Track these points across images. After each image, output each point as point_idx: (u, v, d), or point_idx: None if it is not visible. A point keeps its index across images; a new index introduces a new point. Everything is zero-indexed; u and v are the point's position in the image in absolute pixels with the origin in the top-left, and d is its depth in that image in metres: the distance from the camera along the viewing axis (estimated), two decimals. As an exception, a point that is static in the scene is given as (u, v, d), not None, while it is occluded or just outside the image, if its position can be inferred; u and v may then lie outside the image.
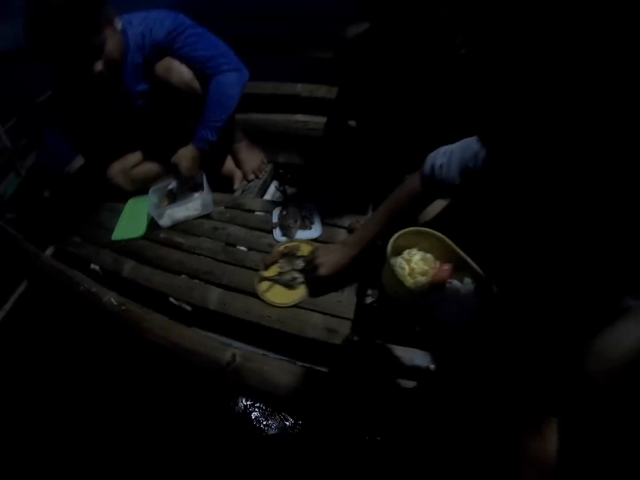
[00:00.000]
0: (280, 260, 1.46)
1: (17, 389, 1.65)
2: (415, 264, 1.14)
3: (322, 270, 1.26)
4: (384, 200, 1.23)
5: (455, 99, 1.31)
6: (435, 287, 1.10)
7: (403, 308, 1.13)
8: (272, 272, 1.45)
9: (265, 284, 1.42)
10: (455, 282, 1.10)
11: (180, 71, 1.63)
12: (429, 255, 1.16)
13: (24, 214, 2.08)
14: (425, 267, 1.13)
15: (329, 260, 1.26)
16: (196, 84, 1.67)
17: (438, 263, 1.14)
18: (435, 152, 1.07)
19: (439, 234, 1.12)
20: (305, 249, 1.48)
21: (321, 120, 2.09)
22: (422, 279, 1.12)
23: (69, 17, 1.33)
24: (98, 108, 1.72)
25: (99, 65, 1.46)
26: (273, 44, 2.79)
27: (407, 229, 1.13)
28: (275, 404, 1.19)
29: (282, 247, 1.51)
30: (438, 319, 1.01)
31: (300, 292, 1.37)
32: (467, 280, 1.09)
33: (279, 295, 1.37)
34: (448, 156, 1.01)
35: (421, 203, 1.14)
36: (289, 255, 1.47)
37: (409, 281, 1.12)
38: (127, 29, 1.57)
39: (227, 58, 1.66)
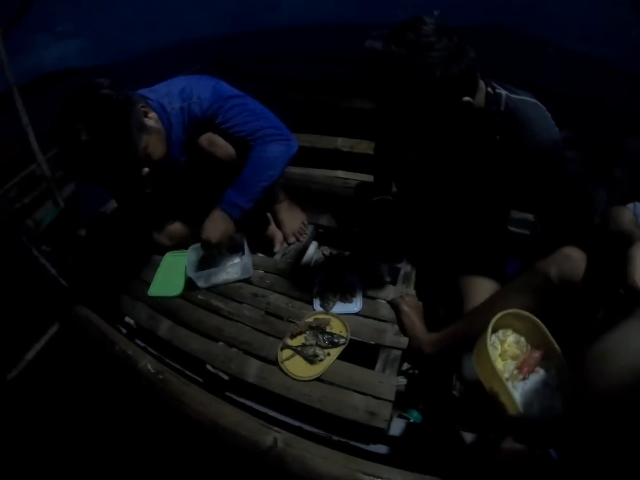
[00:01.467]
0: (306, 332, 1.48)
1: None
2: (508, 346, 1.13)
3: None
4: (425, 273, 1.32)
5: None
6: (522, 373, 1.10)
7: (479, 391, 1.12)
8: (296, 341, 1.46)
9: (287, 352, 1.44)
10: (542, 372, 1.08)
11: (224, 144, 1.63)
12: (522, 339, 1.15)
13: (59, 249, 2.12)
14: (517, 351, 1.12)
15: None
16: (239, 156, 1.66)
17: (529, 347, 1.13)
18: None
19: (536, 319, 1.10)
20: (335, 325, 1.50)
21: (362, 177, 2.12)
22: (512, 363, 1.11)
23: (102, 151, 1.31)
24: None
25: (145, 171, 1.46)
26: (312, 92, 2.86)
27: (509, 310, 1.12)
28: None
29: (311, 319, 1.52)
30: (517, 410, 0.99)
31: (319, 369, 1.37)
32: (553, 372, 1.07)
33: (297, 368, 1.39)
34: None
35: None
36: (317, 328, 1.48)
37: (500, 362, 1.11)
38: (165, 104, 1.56)
39: (272, 129, 1.62)
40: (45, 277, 1.90)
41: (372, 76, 1.11)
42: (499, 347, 1.13)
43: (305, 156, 2.28)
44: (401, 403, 1.40)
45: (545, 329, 1.09)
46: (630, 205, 1.07)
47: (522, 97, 1.19)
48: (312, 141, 2.36)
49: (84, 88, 1.35)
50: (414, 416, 1.40)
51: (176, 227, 1.90)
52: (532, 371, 1.07)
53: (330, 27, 5.50)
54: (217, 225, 1.62)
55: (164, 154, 1.53)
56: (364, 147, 2.26)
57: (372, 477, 1.10)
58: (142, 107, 1.45)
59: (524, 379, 1.06)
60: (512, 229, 1.79)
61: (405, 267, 1.71)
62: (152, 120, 1.48)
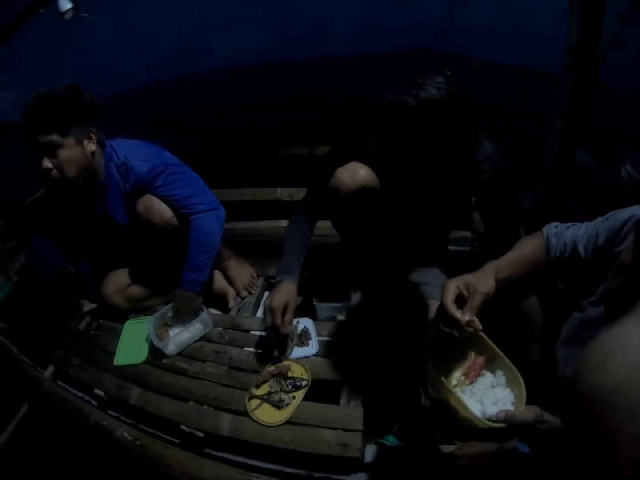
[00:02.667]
0: (270, 380, 1.62)
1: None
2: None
3: None
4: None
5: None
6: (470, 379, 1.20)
7: (439, 403, 1.24)
8: (261, 391, 1.61)
9: (254, 402, 1.58)
10: (488, 374, 1.20)
11: (160, 210, 1.80)
12: (465, 349, 1.25)
13: (17, 324, 2.17)
14: (462, 360, 1.25)
15: None
16: (175, 221, 1.83)
17: (473, 354, 1.24)
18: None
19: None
20: (296, 369, 1.66)
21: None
22: (458, 371, 1.23)
23: (45, 103, 1.59)
24: (79, 227, 1.93)
25: (46, 163, 1.63)
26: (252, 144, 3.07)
27: None
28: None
29: (273, 367, 1.67)
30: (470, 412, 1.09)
31: (287, 413, 1.52)
32: (499, 372, 1.19)
33: (266, 415, 1.53)
34: (561, 229, 1.21)
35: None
36: (279, 375, 1.63)
37: (445, 373, 1.22)
38: (112, 156, 1.78)
39: (202, 197, 1.85)
40: (6, 356, 1.97)
41: (423, 124, 1.27)
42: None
43: (250, 209, 2.48)
44: (376, 430, 1.55)
45: (484, 335, 1.20)
46: (545, 229, 1.25)
47: None
48: (254, 194, 2.54)
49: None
50: (391, 440, 1.52)
51: (132, 290, 2.04)
52: (478, 375, 1.20)
53: (261, 67, 5.82)
54: (185, 305, 1.86)
55: (68, 173, 1.67)
56: (303, 194, 2.43)
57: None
58: (92, 133, 1.70)
59: (471, 382, 1.19)
60: (453, 247, 2.02)
61: (354, 304, 1.90)
62: (89, 146, 1.70)
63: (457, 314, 1.08)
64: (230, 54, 6.49)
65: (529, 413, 1.02)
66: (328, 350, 1.73)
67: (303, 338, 1.75)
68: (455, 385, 1.19)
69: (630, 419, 0.40)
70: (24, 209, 2.68)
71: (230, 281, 2.14)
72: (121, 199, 1.83)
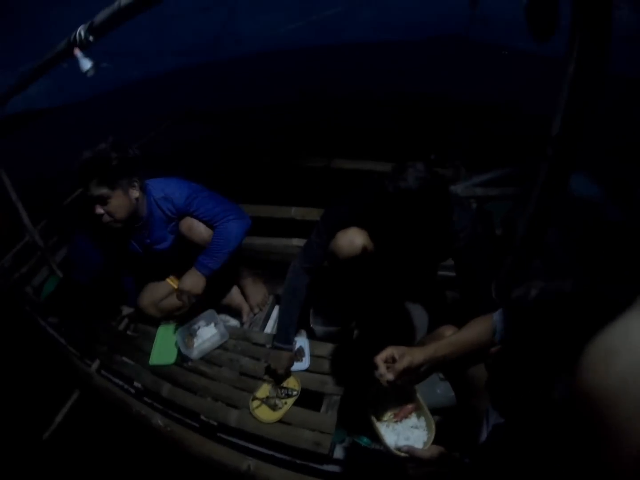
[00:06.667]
0: (270, 388, 2.25)
1: None
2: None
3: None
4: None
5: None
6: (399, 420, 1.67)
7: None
8: (262, 394, 2.23)
9: (256, 403, 2.20)
10: (414, 417, 1.67)
11: (199, 230, 2.39)
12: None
13: (64, 319, 2.77)
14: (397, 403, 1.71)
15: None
16: (211, 238, 2.40)
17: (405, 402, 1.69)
18: None
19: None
20: (290, 381, 2.27)
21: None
22: (391, 411, 1.69)
23: (95, 164, 2.07)
24: (119, 252, 2.50)
25: (99, 210, 2.12)
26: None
27: None
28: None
29: (272, 378, 2.28)
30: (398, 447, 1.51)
31: (279, 414, 2.11)
32: (422, 418, 1.66)
33: (264, 414, 2.13)
34: None
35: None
36: (276, 385, 2.24)
37: (381, 411, 1.70)
38: (151, 193, 2.33)
39: (232, 211, 2.36)
40: (56, 347, 2.61)
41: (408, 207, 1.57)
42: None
43: (266, 226, 3.07)
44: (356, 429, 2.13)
45: (416, 389, 1.69)
46: (496, 314, 1.45)
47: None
48: (270, 212, 3.13)
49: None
50: (364, 441, 2.09)
51: (165, 303, 2.66)
52: (405, 417, 1.68)
53: (288, 52, 6.33)
54: (191, 279, 2.35)
55: (118, 218, 2.20)
56: (314, 214, 3.01)
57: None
58: (136, 182, 2.23)
59: (397, 422, 1.66)
60: (447, 273, 2.49)
61: (343, 331, 2.51)
62: (133, 193, 2.22)
63: (381, 369, 1.48)
64: (258, 41, 6.93)
65: (426, 452, 1.40)
66: (318, 366, 2.35)
67: (298, 355, 2.35)
68: (385, 421, 1.67)
69: (635, 420, 0.41)
70: (64, 207, 3.29)
71: (246, 297, 2.79)
72: (164, 225, 2.42)
